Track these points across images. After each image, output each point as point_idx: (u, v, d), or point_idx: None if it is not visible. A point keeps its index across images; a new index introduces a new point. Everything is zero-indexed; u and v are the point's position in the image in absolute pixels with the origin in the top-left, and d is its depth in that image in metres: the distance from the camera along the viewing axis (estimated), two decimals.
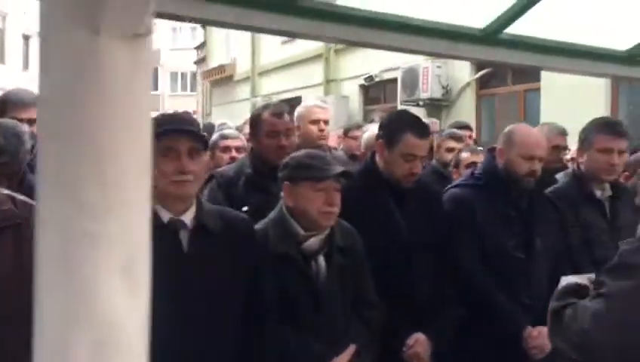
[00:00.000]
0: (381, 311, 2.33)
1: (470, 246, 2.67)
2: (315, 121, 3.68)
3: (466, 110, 10.67)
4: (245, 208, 2.54)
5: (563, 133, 3.89)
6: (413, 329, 2.46)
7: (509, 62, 3.28)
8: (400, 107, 12.17)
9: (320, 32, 2.38)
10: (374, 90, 13.54)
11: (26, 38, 25.39)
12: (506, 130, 2.82)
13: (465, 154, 3.90)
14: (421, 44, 2.57)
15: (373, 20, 2.31)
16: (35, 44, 25.78)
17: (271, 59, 16.43)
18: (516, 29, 2.77)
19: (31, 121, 2.91)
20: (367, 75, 12.74)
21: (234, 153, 3.48)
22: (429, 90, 10.92)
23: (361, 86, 13.43)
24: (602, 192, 2.86)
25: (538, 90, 9.40)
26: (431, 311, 2.51)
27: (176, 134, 1.80)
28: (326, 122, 3.75)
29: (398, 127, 2.54)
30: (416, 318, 2.48)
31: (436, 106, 11.38)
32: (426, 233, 2.50)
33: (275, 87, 16.20)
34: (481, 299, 2.64)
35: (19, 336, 1.71)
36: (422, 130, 2.53)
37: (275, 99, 16.07)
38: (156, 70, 35.97)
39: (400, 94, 11.60)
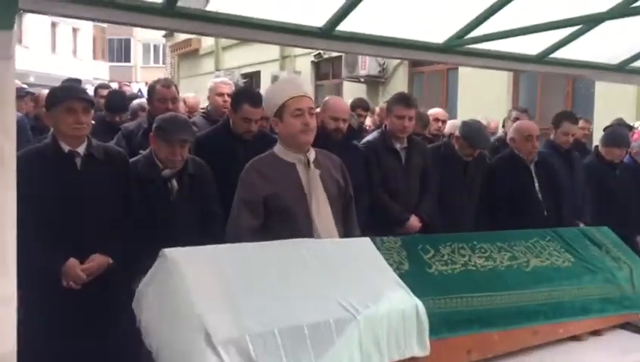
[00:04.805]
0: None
1: None
2: (221, 94, 4.77)
3: (399, 86, 11.74)
4: (141, 151, 3.65)
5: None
6: None
7: (348, 52, 4.21)
8: (344, 83, 13.29)
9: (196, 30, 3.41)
10: (324, 67, 14.58)
11: (54, 25, 26.71)
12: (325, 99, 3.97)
13: None
14: (274, 38, 3.63)
15: (241, 22, 3.19)
16: (62, 31, 26.83)
17: None
18: (355, 26, 3.80)
19: None
20: (317, 53, 13.78)
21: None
22: (367, 67, 12.00)
23: (312, 62, 14.48)
24: (401, 145, 4.02)
25: (457, 69, 10.51)
26: None
27: (75, 99, 2.88)
28: (229, 95, 4.82)
29: (240, 97, 3.64)
30: None
31: (375, 83, 12.46)
32: None
33: (236, 62, 17.12)
34: None
35: None
36: (255, 101, 3.57)
37: (237, 73, 17.04)
38: (129, 42, 36.45)
39: (344, 71, 12.68)
